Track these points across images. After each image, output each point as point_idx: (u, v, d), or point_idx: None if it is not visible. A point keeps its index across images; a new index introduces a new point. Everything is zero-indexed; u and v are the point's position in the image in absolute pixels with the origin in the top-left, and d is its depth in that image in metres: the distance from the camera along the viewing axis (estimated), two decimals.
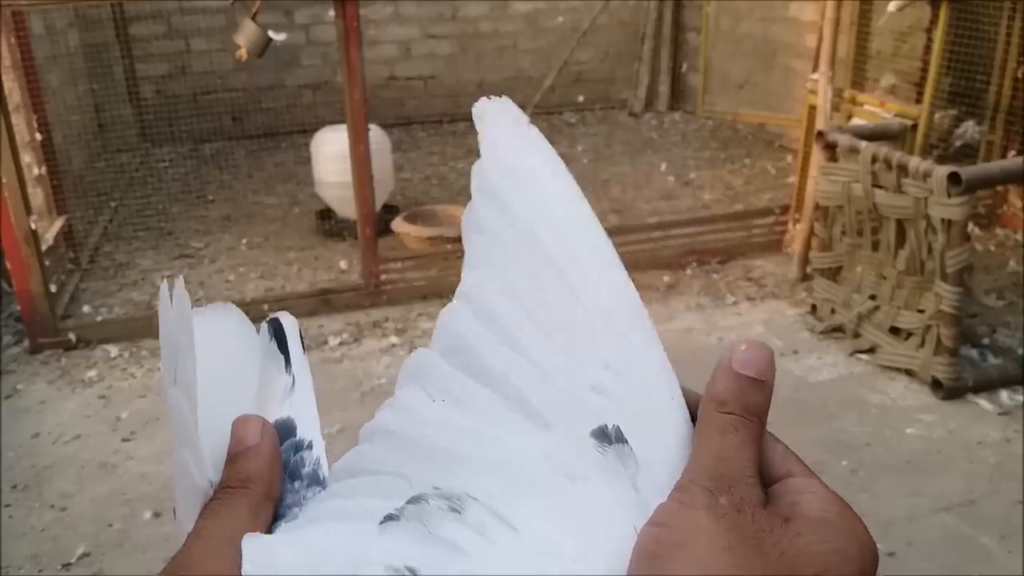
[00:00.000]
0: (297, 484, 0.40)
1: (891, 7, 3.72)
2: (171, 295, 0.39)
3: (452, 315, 0.40)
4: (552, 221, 0.39)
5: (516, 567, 0.32)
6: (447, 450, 0.37)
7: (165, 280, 0.40)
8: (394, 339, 3.26)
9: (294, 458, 0.41)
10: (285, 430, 0.41)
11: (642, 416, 0.35)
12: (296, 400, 0.43)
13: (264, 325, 0.45)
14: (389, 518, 0.35)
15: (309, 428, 0.42)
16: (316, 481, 0.40)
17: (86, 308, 3.54)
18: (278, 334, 0.45)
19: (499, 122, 0.41)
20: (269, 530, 0.38)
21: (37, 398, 2.96)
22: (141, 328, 3.34)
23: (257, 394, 0.43)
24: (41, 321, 3.23)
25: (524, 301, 0.38)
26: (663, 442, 0.34)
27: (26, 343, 3.26)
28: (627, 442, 0.34)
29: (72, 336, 3.26)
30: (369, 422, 0.41)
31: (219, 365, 0.41)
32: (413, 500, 0.35)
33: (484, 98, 0.42)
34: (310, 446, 0.41)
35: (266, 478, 0.39)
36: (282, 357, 0.44)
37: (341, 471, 0.40)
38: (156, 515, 2.36)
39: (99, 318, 3.45)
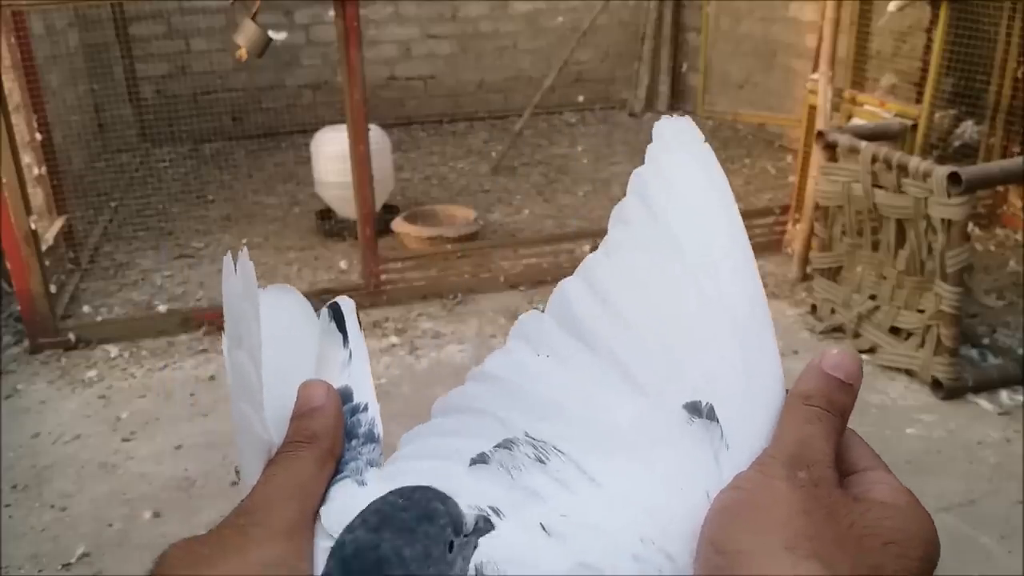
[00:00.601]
0: (354, 442, 0.43)
1: (891, 7, 3.72)
2: (236, 265, 0.41)
3: (569, 285, 0.43)
4: (695, 228, 0.41)
5: (590, 514, 0.35)
6: (544, 400, 0.40)
7: (229, 252, 0.42)
8: (394, 339, 3.26)
9: (351, 420, 0.44)
10: (343, 397, 0.45)
11: (738, 403, 0.37)
12: (353, 371, 0.47)
13: (325, 309, 0.50)
14: (480, 459, 0.38)
15: (364, 393, 0.46)
16: (371, 439, 0.44)
17: (86, 308, 3.54)
18: (336, 315, 0.49)
19: (671, 138, 0.44)
20: (329, 484, 0.41)
21: (37, 398, 2.96)
22: (141, 328, 3.34)
23: (318, 366, 0.47)
24: (41, 321, 3.23)
25: (647, 286, 0.41)
26: (753, 428, 0.36)
27: (26, 343, 3.26)
28: (717, 420, 0.36)
29: (72, 336, 3.26)
30: (477, 366, 0.44)
31: (280, 338, 0.45)
32: (503, 444, 0.38)
33: (667, 115, 0.45)
34: (365, 408, 0.45)
35: (331, 436, 0.42)
36: (340, 335, 0.48)
37: (443, 406, 0.45)
38: (156, 515, 2.36)
39: (99, 318, 3.45)
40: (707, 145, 0.43)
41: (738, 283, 0.40)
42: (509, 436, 0.38)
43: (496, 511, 0.36)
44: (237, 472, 0.43)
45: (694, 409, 0.36)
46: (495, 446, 0.38)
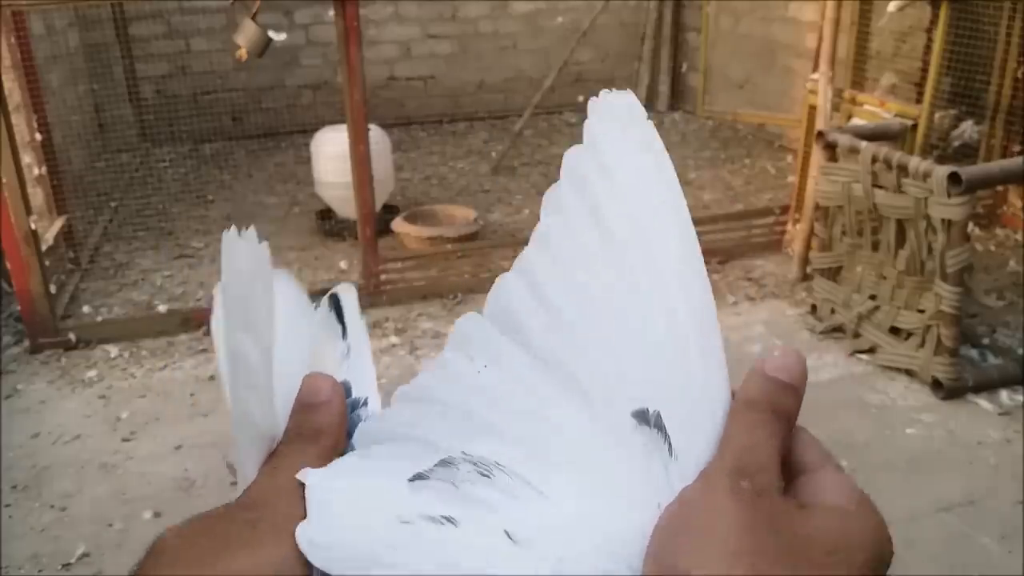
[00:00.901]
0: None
1: (891, 7, 3.72)
2: (242, 242, 0.39)
3: (506, 285, 0.40)
4: (636, 221, 0.38)
5: (545, 523, 0.34)
6: (482, 418, 0.38)
7: (233, 227, 0.39)
8: (394, 339, 3.26)
9: (351, 415, 0.42)
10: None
11: (685, 410, 0.36)
12: (352, 364, 0.45)
13: (325, 299, 0.48)
14: (419, 476, 0.36)
15: (364, 387, 0.44)
16: None
17: (86, 308, 3.54)
18: (336, 305, 0.47)
19: (611, 117, 0.40)
20: None
21: (37, 398, 2.96)
22: (141, 328, 3.34)
23: (316, 359, 0.45)
24: (41, 321, 3.23)
25: (586, 287, 0.38)
26: (699, 436, 0.35)
27: (26, 343, 3.26)
28: (665, 429, 0.35)
29: (72, 336, 3.26)
30: (406, 384, 0.41)
31: (276, 326, 0.43)
32: (442, 463, 0.36)
33: (606, 90, 0.40)
34: (365, 403, 0.43)
35: (335, 433, 0.41)
36: (340, 327, 0.47)
37: (369, 433, 0.42)
38: (156, 515, 2.36)
39: (99, 318, 3.45)
40: (651, 124, 0.40)
41: (682, 282, 0.38)
42: (445, 457, 0.36)
43: (450, 519, 0.34)
44: (231, 468, 0.41)
45: (641, 417, 0.35)
46: (434, 465, 0.36)
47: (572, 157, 0.40)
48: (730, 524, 0.32)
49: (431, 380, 0.40)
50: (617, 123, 0.40)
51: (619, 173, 0.39)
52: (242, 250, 0.39)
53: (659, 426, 0.35)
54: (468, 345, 0.40)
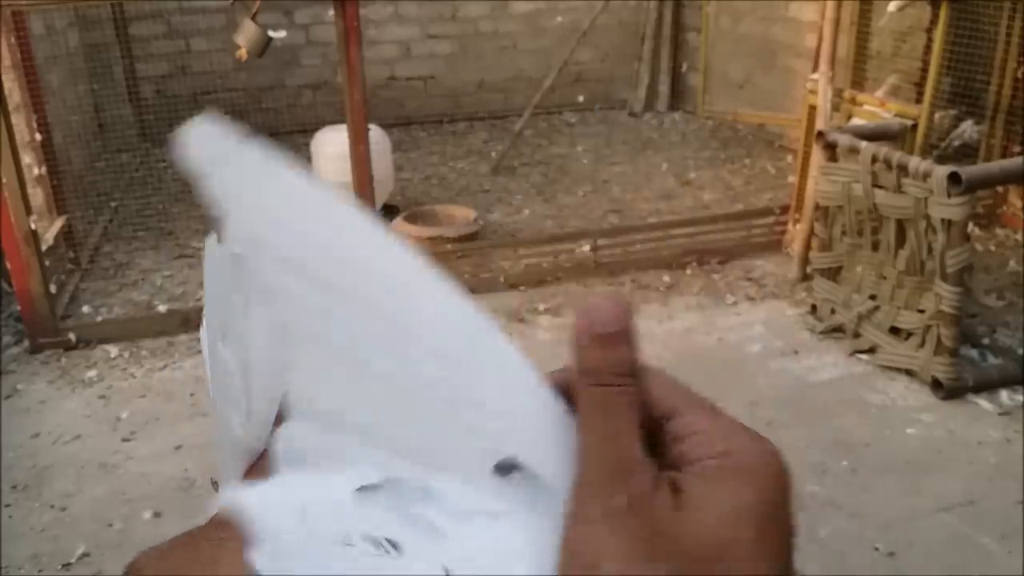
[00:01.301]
0: None
1: (891, 7, 3.72)
2: (220, 248, 0.37)
3: (291, 432, 0.36)
4: (342, 261, 0.34)
5: (500, 544, 0.31)
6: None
7: (213, 234, 0.37)
8: None
9: None
10: None
11: (530, 434, 0.33)
12: None
13: None
14: (369, 486, 0.33)
15: None
16: None
17: (86, 308, 3.54)
18: None
19: (218, 158, 0.35)
20: None
21: (37, 398, 2.96)
22: (141, 328, 3.34)
23: None
24: (41, 321, 3.23)
25: (355, 376, 0.34)
26: (554, 453, 0.32)
27: (26, 343, 3.26)
28: (523, 468, 0.32)
29: (72, 336, 3.26)
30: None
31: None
32: (391, 479, 0.33)
33: (190, 123, 0.34)
34: None
35: None
36: None
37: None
38: (156, 515, 2.36)
39: (99, 318, 3.45)
40: (250, 144, 0.35)
41: (428, 305, 0.35)
42: (391, 475, 0.33)
43: (394, 545, 0.32)
44: (214, 484, 0.39)
45: (502, 470, 0.32)
46: (384, 478, 0.33)
47: (226, 227, 0.34)
48: (612, 563, 0.30)
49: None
50: (231, 160, 0.35)
51: (289, 225, 0.34)
52: (220, 258, 0.37)
53: (517, 468, 0.32)
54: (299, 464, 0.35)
